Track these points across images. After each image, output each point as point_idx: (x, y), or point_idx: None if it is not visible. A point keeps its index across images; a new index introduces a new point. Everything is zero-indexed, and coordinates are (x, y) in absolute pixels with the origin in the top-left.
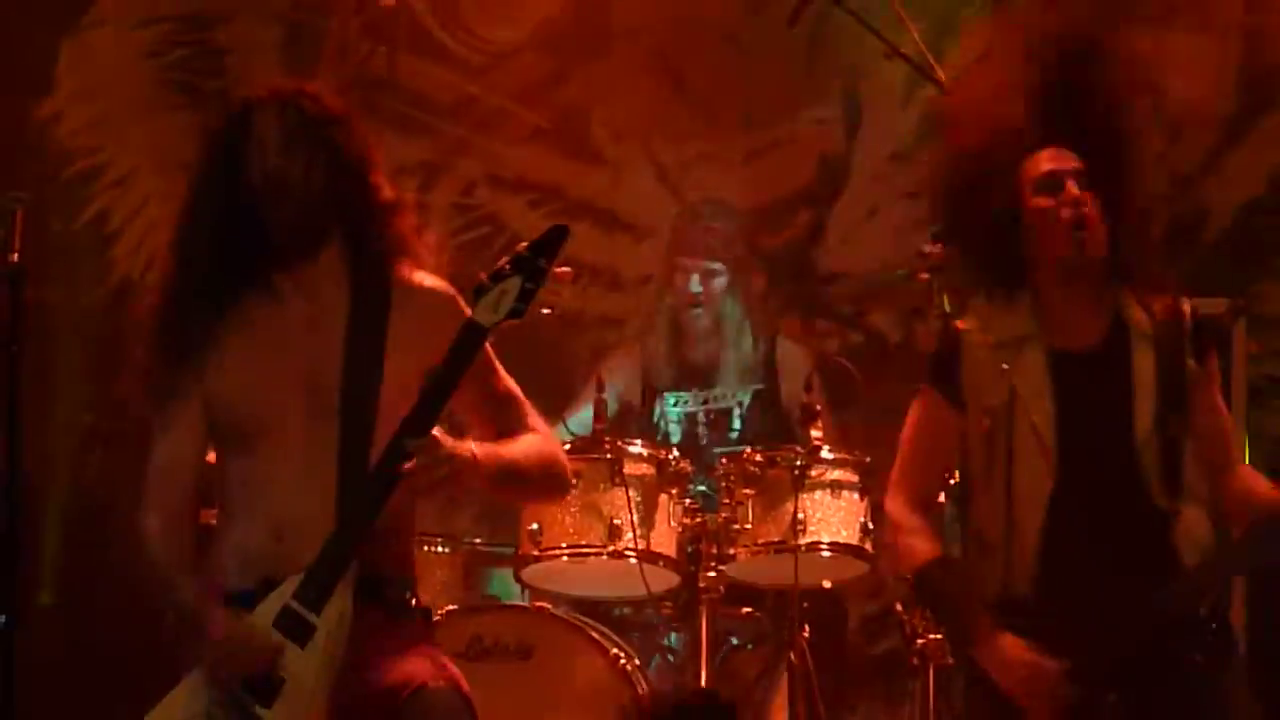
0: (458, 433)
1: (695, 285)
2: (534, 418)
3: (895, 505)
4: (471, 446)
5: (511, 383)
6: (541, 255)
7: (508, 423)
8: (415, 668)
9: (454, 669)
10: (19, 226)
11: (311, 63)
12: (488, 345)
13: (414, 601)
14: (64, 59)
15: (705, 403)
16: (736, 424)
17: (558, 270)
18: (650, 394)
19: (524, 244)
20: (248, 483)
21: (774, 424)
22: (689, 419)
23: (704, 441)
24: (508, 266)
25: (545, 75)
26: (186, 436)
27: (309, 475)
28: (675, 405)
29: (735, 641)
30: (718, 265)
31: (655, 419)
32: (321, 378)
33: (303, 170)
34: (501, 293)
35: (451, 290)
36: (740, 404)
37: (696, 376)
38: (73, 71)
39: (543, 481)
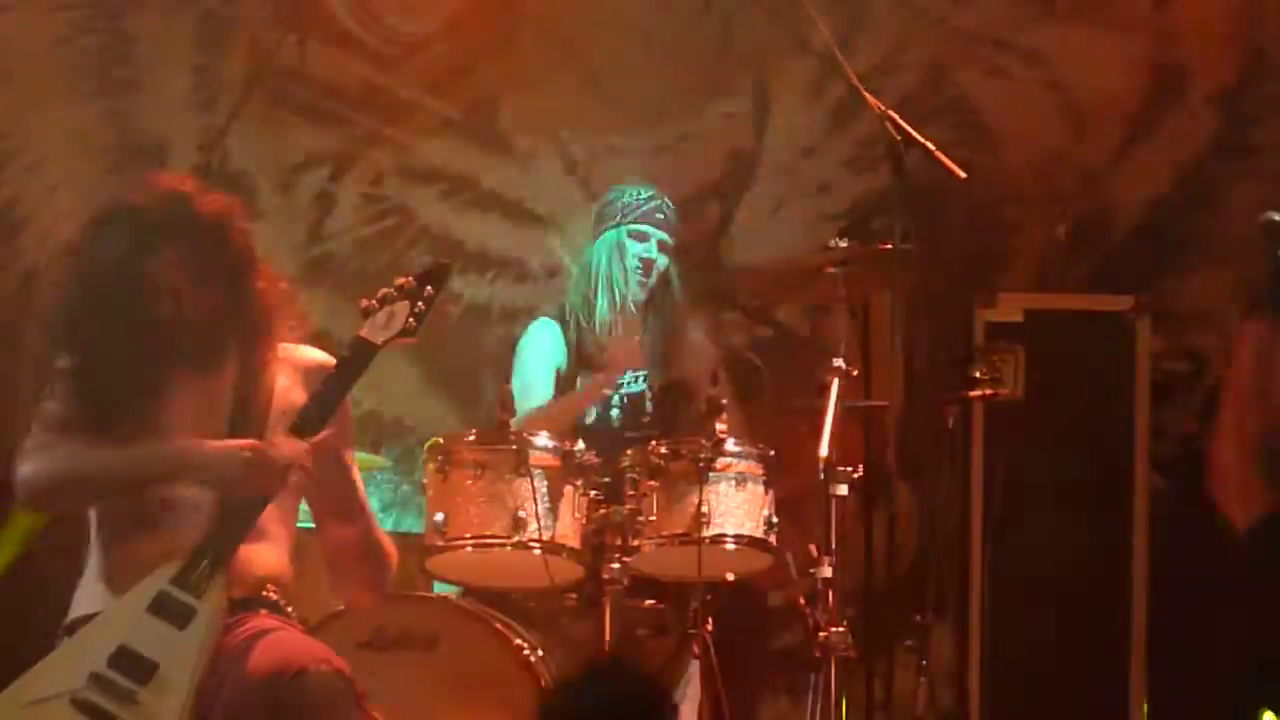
0: None
1: (647, 251)
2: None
3: (1230, 455)
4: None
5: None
6: (428, 284)
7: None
8: (294, 650)
9: (335, 656)
10: None
11: (221, 51)
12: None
13: (289, 610)
14: None
15: (620, 387)
16: (648, 408)
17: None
18: (567, 376)
19: (410, 276)
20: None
21: (686, 412)
22: (601, 403)
23: (615, 425)
24: (395, 292)
25: (455, 66)
26: None
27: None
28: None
29: (640, 633)
30: (668, 239)
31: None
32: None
33: (209, 305)
34: (390, 315)
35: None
36: (652, 389)
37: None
38: None
39: (380, 565)
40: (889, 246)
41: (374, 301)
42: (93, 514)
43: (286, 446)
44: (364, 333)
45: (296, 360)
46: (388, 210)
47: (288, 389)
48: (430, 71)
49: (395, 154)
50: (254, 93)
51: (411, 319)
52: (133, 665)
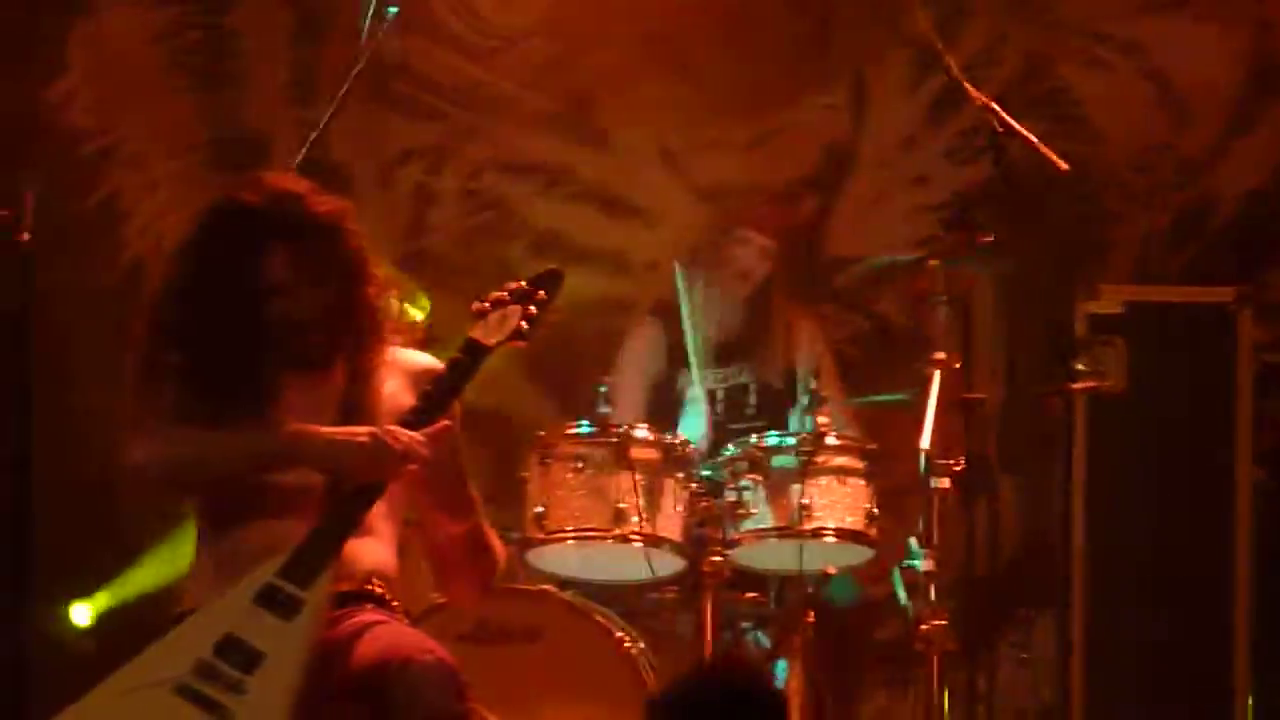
0: None
1: (749, 260)
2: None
3: None
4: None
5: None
6: (541, 289)
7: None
8: (400, 641)
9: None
10: (30, 207)
11: (320, 45)
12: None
13: (394, 603)
14: (75, 41)
15: (724, 380)
16: (752, 400)
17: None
18: (672, 371)
19: (523, 280)
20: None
21: (787, 405)
22: (707, 396)
23: (720, 418)
24: (507, 295)
25: (553, 60)
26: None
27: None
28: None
29: (742, 626)
30: (768, 243)
31: (674, 394)
32: None
33: (323, 304)
34: (502, 318)
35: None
36: (756, 382)
37: (718, 354)
38: (84, 53)
39: (491, 565)
40: (990, 238)
41: (486, 304)
42: (200, 506)
43: (405, 436)
44: (476, 334)
45: (406, 365)
46: (486, 204)
47: (396, 393)
48: (528, 65)
49: (494, 148)
50: (353, 87)
51: (524, 323)
52: (239, 654)
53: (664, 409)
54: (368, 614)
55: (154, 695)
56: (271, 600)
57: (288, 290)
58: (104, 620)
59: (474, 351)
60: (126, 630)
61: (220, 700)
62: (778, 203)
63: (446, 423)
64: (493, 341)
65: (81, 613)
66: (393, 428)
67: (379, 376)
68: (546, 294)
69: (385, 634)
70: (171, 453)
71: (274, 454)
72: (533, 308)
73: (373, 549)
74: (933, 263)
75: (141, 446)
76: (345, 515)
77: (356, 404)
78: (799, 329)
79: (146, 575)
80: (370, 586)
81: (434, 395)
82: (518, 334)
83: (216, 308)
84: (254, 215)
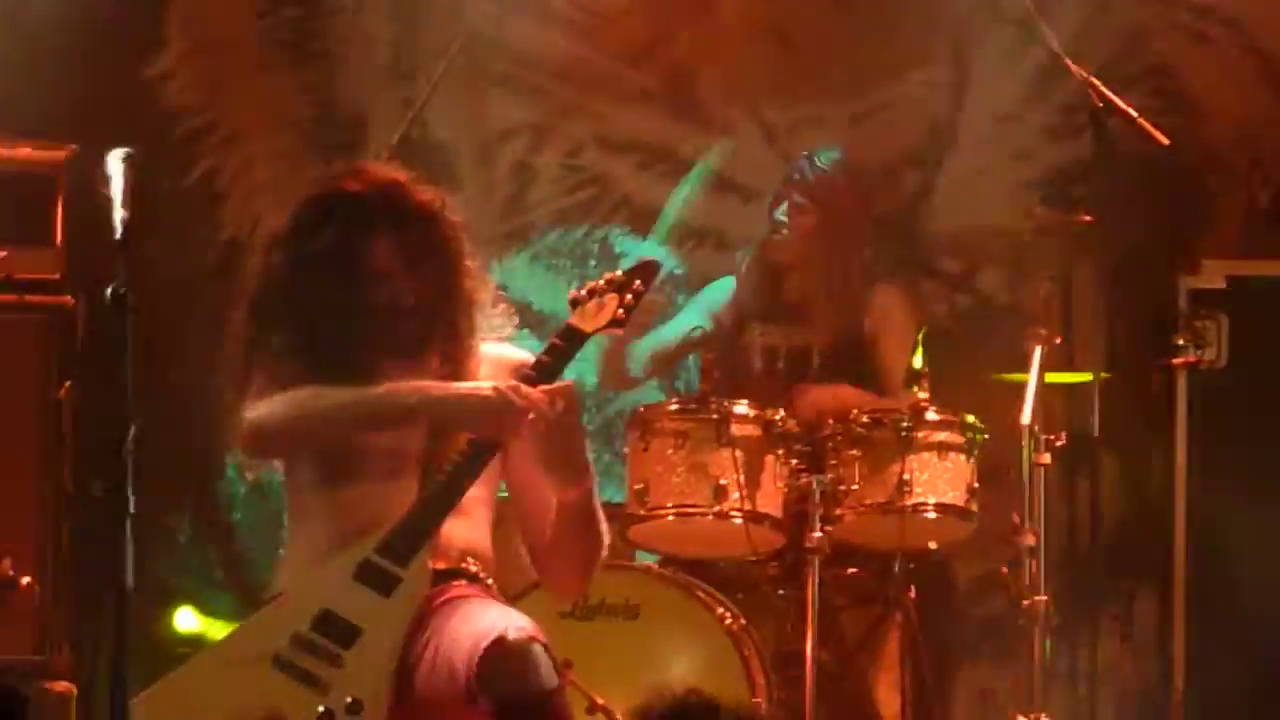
0: None
1: (780, 215)
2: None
3: None
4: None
5: None
6: (636, 279)
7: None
8: (493, 617)
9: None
10: (130, 183)
11: (419, 23)
12: None
13: (489, 582)
14: (174, 18)
15: (788, 338)
16: (815, 361)
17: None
18: (739, 325)
19: (619, 271)
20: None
21: (855, 368)
22: (769, 351)
23: (784, 377)
24: (604, 284)
25: (652, 36)
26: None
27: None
28: (760, 335)
29: (840, 602)
30: (806, 201)
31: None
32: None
33: (422, 292)
34: (599, 305)
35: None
36: (820, 342)
37: (784, 312)
38: (183, 30)
39: (597, 541)
40: (1090, 214)
41: (583, 293)
42: (296, 472)
43: (527, 390)
44: (574, 320)
45: (499, 359)
46: (586, 180)
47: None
48: (628, 41)
49: (593, 124)
50: (452, 65)
51: (621, 310)
52: (336, 629)
53: (733, 359)
54: (461, 589)
55: (252, 668)
56: (370, 576)
57: (387, 278)
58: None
59: (571, 337)
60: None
61: (318, 674)
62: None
63: (569, 382)
64: (590, 328)
65: (186, 617)
66: (515, 383)
67: (472, 366)
68: (642, 284)
69: (477, 610)
70: (289, 408)
71: (398, 407)
72: (629, 296)
73: (466, 529)
74: (1033, 238)
75: (256, 408)
76: (441, 495)
77: None
78: (877, 298)
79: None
80: (465, 565)
81: (532, 379)
82: (615, 322)
83: (316, 294)
84: (355, 203)
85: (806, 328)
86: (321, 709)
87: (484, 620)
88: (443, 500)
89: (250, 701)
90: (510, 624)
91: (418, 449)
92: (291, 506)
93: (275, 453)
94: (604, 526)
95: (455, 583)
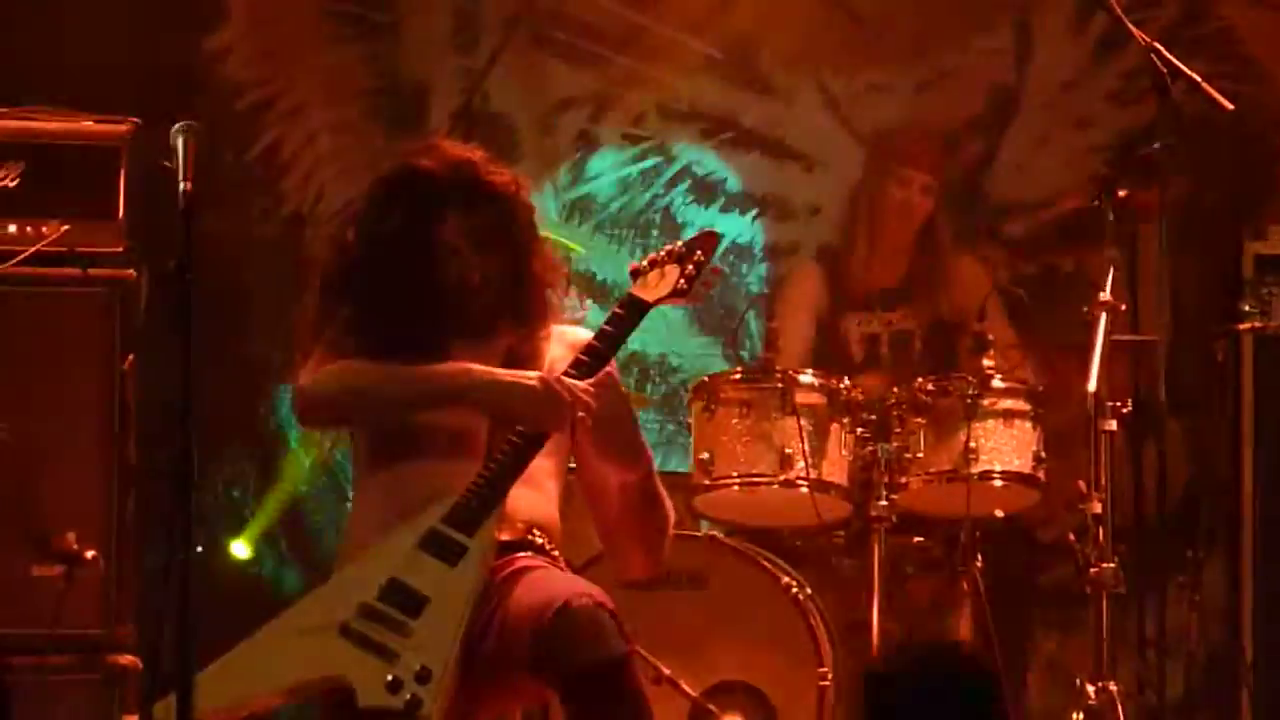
0: None
1: (911, 199)
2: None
3: None
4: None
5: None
6: (698, 249)
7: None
8: (559, 586)
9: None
10: (192, 156)
11: None
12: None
13: (555, 552)
14: None
15: (889, 325)
16: (918, 346)
17: (711, 268)
18: (834, 311)
19: (679, 242)
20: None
21: (955, 349)
22: (871, 340)
23: (886, 363)
24: (664, 255)
25: (714, 4)
26: None
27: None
28: (859, 325)
29: (908, 570)
30: (931, 181)
31: (840, 337)
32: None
33: (491, 272)
34: (660, 274)
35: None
36: (920, 327)
37: (881, 297)
38: (243, 4)
39: (663, 520)
40: (1156, 179)
41: (644, 263)
42: (363, 445)
43: (572, 384)
44: (635, 290)
45: (569, 339)
46: (648, 150)
47: (557, 363)
48: (689, 10)
49: (655, 93)
50: (514, 35)
51: (683, 281)
52: (404, 598)
53: (829, 352)
54: (527, 559)
55: (320, 636)
56: (436, 545)
57: (459, 256)
58: (261, 547)
59: (633, 307)
60: (288, 549)
61: (386, 643)
62: (934, 140)
63: (609, 370)
64: (652, 298)
65: (239, 548)
66: (560, 376)
67: (542, 347)
68: (703, 254)
69: (543, 579)
70: (341, 378)
71: (444, 389)
72: (690, 267)
73: (533, 500)
74: (1097, 204)
75: (310, 373)
76: (510, 462)
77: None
78: (961, 271)
79: (285, 485)
80: (531, 536)
81: (596, 348)
82: (677, 292)
83: (389, 271)
84: (430, 181)
85: (905, 311)
86: (390, 678)
87: (550, 589)
88: (506, 472)
89: (318, 671)
90: (576, 591)
91: (482, 428)
92: (357, 480)
93: (321, 423)
94: (668, 505)
95: (521, 554)
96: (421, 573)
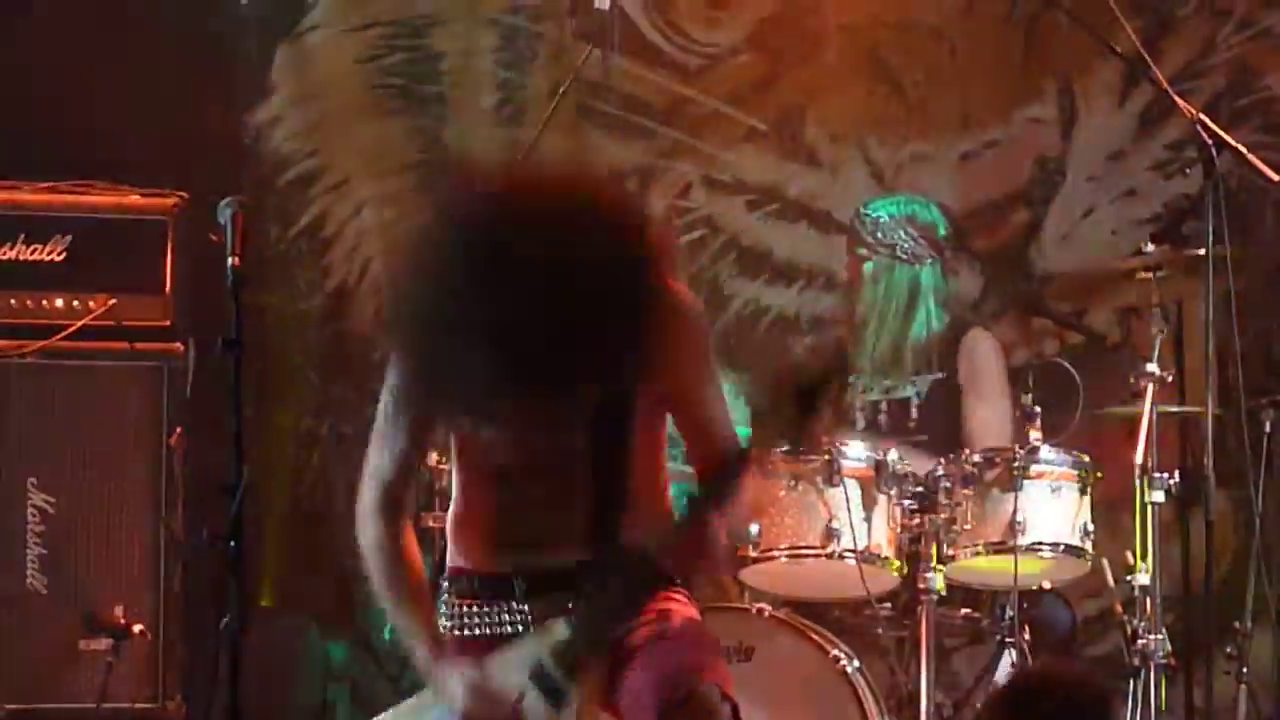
0: None
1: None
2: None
3: None
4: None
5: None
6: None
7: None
8: (690, 661)
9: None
10: (239, 231)
11: (526, 66)
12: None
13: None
14: (280, 64)
15: (887, 392)
16: (914, 414)
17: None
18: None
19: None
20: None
21: (952, 416)
22: (871, 407)
23: (884, 430)
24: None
25: (759, 76)
26: (416, 448)
27: (573, 491)
28: (861, 393)
29: (951, 643)
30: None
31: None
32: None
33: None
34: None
35: (700, 305)
36: (918, 394)
37: (877, 365)
38: (289, 76)
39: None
40: (1202, 250)
41: None
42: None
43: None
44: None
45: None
46: (696, 221)
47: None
48: (734, 82)
49: (702, 165)
50: (560, 107)
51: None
52: None
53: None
54: (673, 605)
55: None
56: (542, 682)
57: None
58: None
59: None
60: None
61: None
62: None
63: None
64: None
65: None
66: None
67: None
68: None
69: (677, 646)
70: (371, 555)
71: (409, 642)
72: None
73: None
74: (1143, 275)
75: (364, 523)
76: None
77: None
78: (979, 343)
79: None
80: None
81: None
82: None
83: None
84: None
85: (901, 380)
86: None
87: (683, 660)
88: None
89: None
90: (709, 674)
91: (578, 445)
92: (458, 484)
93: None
94: (719, 544)
95: (674, 595)
96: (530, 705)
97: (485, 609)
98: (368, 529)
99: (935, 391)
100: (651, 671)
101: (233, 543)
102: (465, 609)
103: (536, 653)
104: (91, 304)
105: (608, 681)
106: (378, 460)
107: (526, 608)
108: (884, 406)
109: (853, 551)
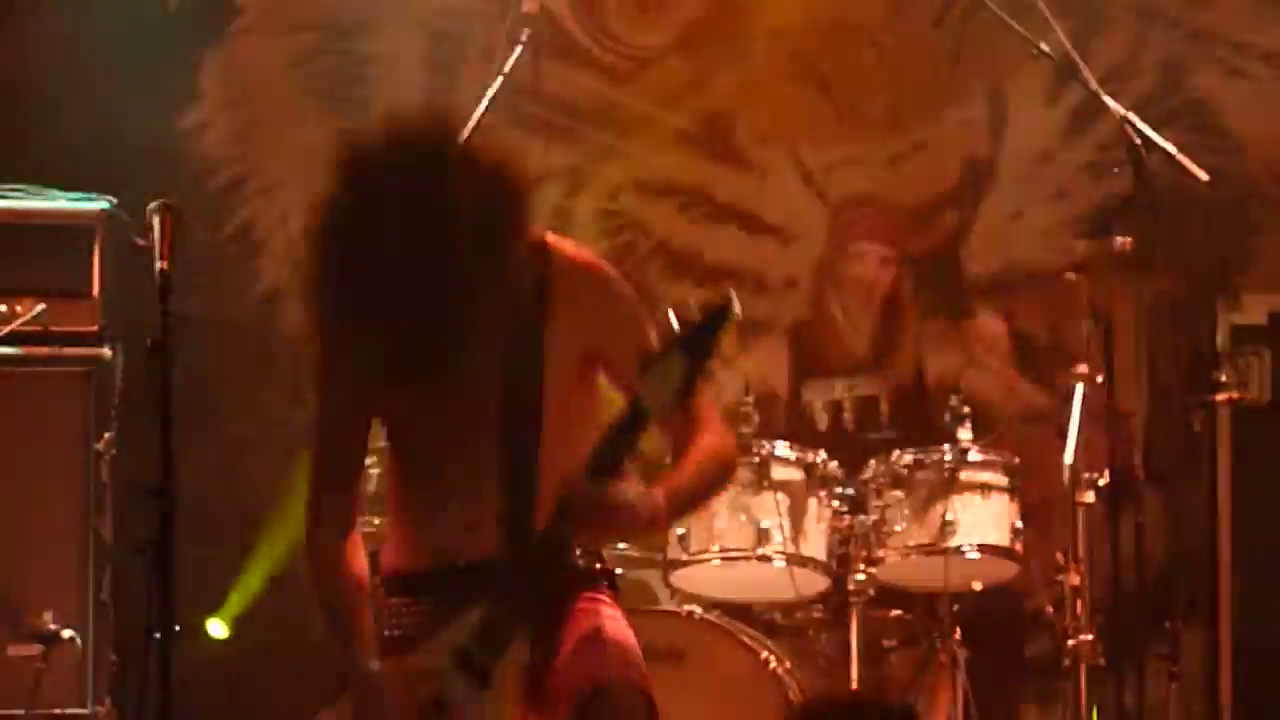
0: None
1: (869, 272)
2: (709, 408)
3: None
4: (659, 501)
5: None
6: (707, 332)
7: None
8: (607, 661)
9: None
10: (167, 235)
11: (456, 70)
12: None
13: (599, 565)
14: (208, 69)
15: (851, 390)
16: (884, 410)
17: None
18: (795, 383)
19: (689, 322)
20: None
21: (922, 415)
22: (834, 406)
23: (850, 429)
24: (672, 347)
25: (688, 80)
26: (358, 447)
27: (487, 476)
28: (821, 394)
29: (886, 644)
30: (889, 252)
31: (801, 407)
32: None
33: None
34: (664, 376)
35: (603, 263)
36: (886, 393)
37: (843, 365)
38: (217, 81)
39: (716, 489)
40: (1130, 251)
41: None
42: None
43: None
44: (640, 397)
45: (577, 272)
46: (624, 225)
47: (569, 309)
48: (664, 85)
49: (630, 168)
50: (488, 111)
51: (686, 383)
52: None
53: (793, 424)
54: (599, 604)
55: None
56: (467, 666)
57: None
58: (240, 626)
59: (638, 416)
60: (265, 627)
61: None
62: (893, 213)
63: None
64: (651, 409)
65: (216, 627)
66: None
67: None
68: (711, 340)
69: (598, 645)
70: (311, 566)
71: (340, 651)
72: (695, 364)
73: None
74: (1071, 276)
75: (306, 533)
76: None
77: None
78: (938, 343)
79: (264, 562)
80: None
81: (597, 465)
82: (679, 399)
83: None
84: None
85: (869, 378)
86: None
87: (601, 661)
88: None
89: None
90: (623, 675)
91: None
92: (390, 488)
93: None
94: (716, 487)
95: (601, 594)
96: (458, 689)
97: (412, 608)
98: (307, 540)
99: (904, 391)
100: (572, 668)
101: (162, 546)
102: (394, 610)
103: (459, 637)
104: (19, 309)
105: (529, 675)
106: (313, 470)
107: (446, 607)
108: (849, 405)
109: (782, 554)
